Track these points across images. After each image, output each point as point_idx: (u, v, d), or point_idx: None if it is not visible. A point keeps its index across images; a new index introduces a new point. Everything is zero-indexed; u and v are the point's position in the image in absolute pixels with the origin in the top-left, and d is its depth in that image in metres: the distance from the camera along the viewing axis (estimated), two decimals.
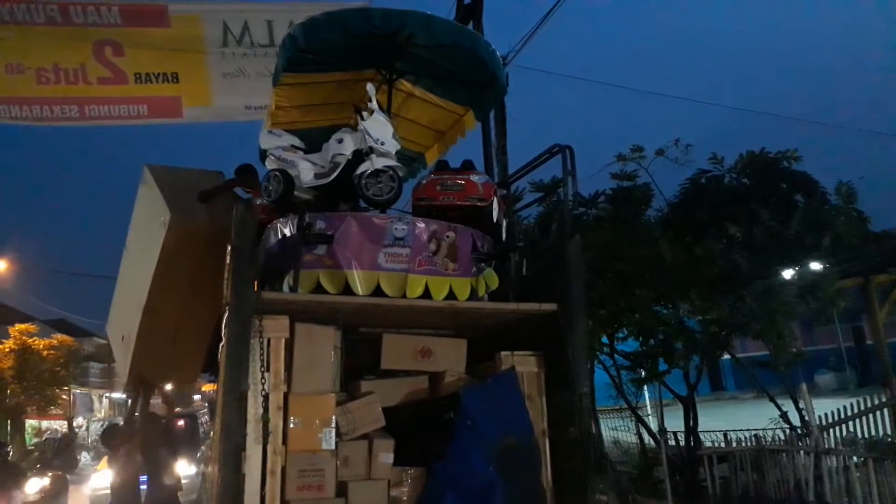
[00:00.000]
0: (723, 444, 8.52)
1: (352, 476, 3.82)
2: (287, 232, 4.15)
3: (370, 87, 4.37)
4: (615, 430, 12.22)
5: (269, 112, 6.10)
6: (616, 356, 9.76)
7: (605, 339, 9.58)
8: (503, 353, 4.38)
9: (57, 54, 6.17)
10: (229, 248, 3.74)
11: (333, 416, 3.85)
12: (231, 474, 3.52)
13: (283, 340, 3.81)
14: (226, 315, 3.68)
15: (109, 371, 38.30)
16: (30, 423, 25.28)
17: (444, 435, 3.97)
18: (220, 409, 3.60)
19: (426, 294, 4.09)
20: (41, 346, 22.80)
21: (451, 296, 4.18)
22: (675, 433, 10.26)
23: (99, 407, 36.41)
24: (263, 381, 3.68)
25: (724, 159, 8.58)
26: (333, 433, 3.82)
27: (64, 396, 26.12)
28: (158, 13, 6.34)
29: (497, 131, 8.31)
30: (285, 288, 4.02)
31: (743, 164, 8.48)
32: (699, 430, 9.57)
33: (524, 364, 4.40)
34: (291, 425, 3.75)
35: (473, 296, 4.36)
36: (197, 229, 4.67)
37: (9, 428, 23.56)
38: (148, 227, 4.99)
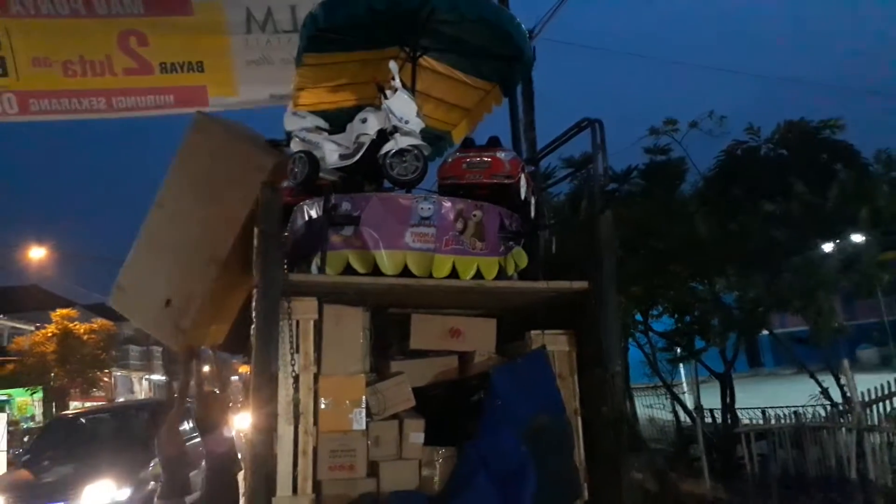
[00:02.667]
0: (761, 422, 8.36)
1: (383, 456, 3.82)
2: (313, 214, 4.14)
3: (393, 65, 4.30)
4: (650, 408, 12.08)
5: (294, 93, 6.08)
6: (651, 333, 9.61)
7: (639, 317, 9.44)
8: (533, 332, 4.33)
9: (82, 46, 6.14)
10: (256, 230, 3.73)
11: (363, 397, 3.85)
12: (263, 455, 3.56)
13: (311, 322, 3.82)
14: (255, 297, 3.69)
15: (148, 353, 39.21)
16: (73, 404, 26.03)
17: (474, 415, 3.94)
18: (252, 390, 3.62)
19: (453, 273, 4.05)
20: (82, 330, 23.40)
21: (478, 275, 4.12)
22: (711, 411, 10.11)
23: (139, 389, 37.36)
24: (293, 362, 3.69)
25: (760, 130, 8.31)
26: (364, 413, 3.82)
27: (105, 379, 26.83)
28: (181, 1, 6.30)
29: (525, 107, 8.21)
30: (313, 269, 4.02)
31: (781, 135, 8.21)
32: (736, 407, 9.41)
33: (555, 343, 4.34)
34: (322, 406, 3.76)
35: (502, 274, 4.30)
36: (283, 176, 4.59)
37: (54, 409, 24.33)
38: (220, 176, 4.82)
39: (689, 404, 10.94)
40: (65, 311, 23.51)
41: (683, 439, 10.30)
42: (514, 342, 4.48)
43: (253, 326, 3.67)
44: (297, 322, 3.76)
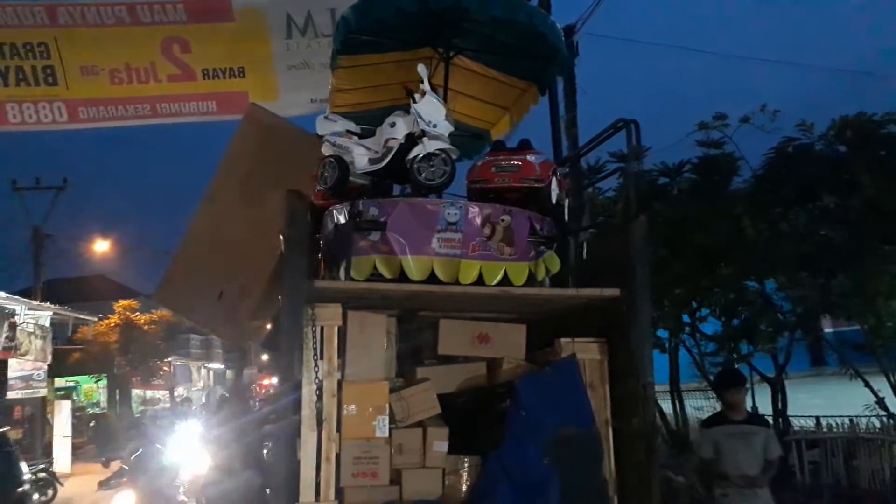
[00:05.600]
0: (813, 429, 8.05)
1: (406, 464, 3.80)
2: (342, 219, 4.14)
3: (421, 69, 4.26)
4: (700, 411, 11.77)
5: (330, 95, 6.10)
6: (698, 335, 9.34)
7: (686, 318, 9.19)
8: (563, 339, 4.23)
9: (128, 54, 6.32)
10: (282, 237, 3.75)
11: (387, 404, 3.83)
12: (287, 460, 3.59)
13: (335, 328, 3.81)
14: (280, 303, 3.72)
15: (208, 343, 40.33)
16: (135, 392, 27.04)
17: (500, 424, 3.88)
18: (276, 396, 3.65)
19: (480, 279, 3.99)
20: (143, 320, 24.21)
21: (506, 280, 4.05)
22: (765, 416, 9.78)
23: (197, 377, 38.39)
24: (317, 368, 3.70)
25: (813, 126, 7.92)
26: (387, 421, 3.80)
27: (165, 368, 27.72)
28: (222, 8, 6.39)
29: (567, 104, 8.03)
30: (342, 275, 4.03)
31: (837, 130, 7.81)
32: (790, 412, 9.06)
33: (586, 351, 4.23)
34: (345, 412, 3.75)
35: (532, 280, 4.21)
36: None
37: (117, 397, 25.35)
38: (276, 165, 4.91)
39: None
40: (126, 302, 24.38)
41: None
42: (545, 349, 4.40)
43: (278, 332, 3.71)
44: (322, 328, 3.76)
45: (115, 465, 9.42)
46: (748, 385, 5.37)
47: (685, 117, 10.21)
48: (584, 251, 4.65)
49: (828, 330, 11.48)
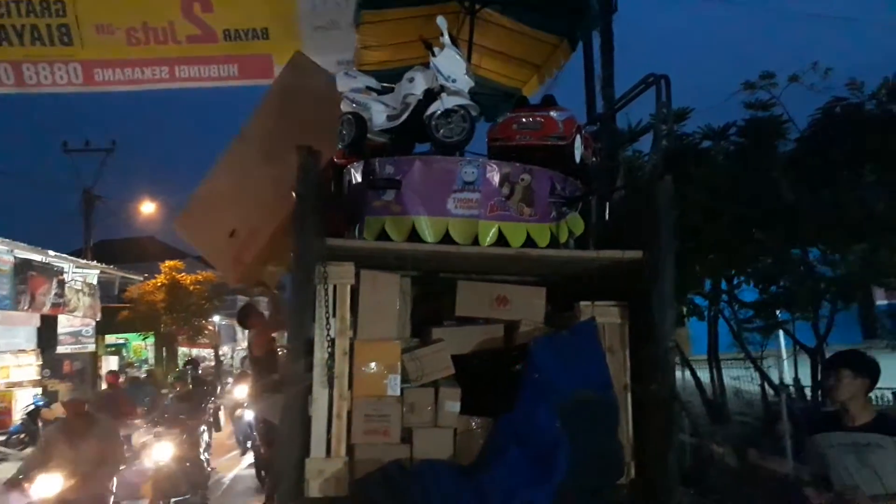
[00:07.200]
0: None
1: (417, 423, 3.76)
2: (358, 177, 4.08)
3: (441, 21, 4.11)
4: (737, 381, 11.55)
5: (357, 52, 5.99)
6: (735, 304, 9.08)
7: (724, 285, 8.93)
8: (583, 303, 4.12)
9: (145, 12, 6.09)
10: (294, 194, 3.71)
11: (399, 363, 3.80)
12: (298, 417, 3.60)
13: (348, 287, 3.77)
14: (292, 261, 3.70)
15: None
16: (182, 350, 27.84)
17: (513, 386, 3.82)
18: (287, 353, 3.66)
19: (501, 240, 3.90)
20: (188, 281, 24.79)
21: (529, 242, 3.95)
22: (805, 388, 9.52)
23: (242, 337, 39.31)
24: (328, 326, 3.68)
25: (864, 84, 7.48)
26: (398, 379, 3.77)
27: (210, 327, 28.42)
28: None
29: (602, 62, 7.73)
30: (356, 234, 3.99)
31: (889, 89, 7.37)
32: None
33: (606, 315, 4.12)
34: (357, 371, 3.74)
35: (554, 242, 4.11)
36: None
37: (164, 354, 26.16)
38: (309, 115, 4.85)
39: (788, 375, 10.35)
40: (172, 262, 24.97)
41: (770, 415, 9.78)
42: (565, 313, 4.30)
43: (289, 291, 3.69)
44: (334, 287, 3.73)
45: None
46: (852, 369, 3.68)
47: (738, 78, 9.79)
48: (605, 213, 4.48)
49: (881, 302, 11.04)
